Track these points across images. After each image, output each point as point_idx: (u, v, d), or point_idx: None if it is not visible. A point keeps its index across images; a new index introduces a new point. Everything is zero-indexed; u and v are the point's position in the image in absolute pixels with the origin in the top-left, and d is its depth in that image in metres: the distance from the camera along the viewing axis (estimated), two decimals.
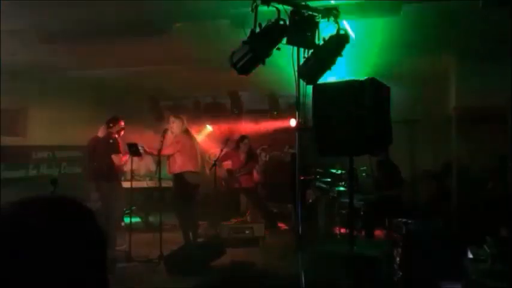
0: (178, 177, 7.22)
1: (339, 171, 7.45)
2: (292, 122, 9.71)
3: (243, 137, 8.96)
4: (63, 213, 0.93)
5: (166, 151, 7.06)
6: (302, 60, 4.21)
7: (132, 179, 7.09)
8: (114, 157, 7.17)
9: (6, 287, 0.84)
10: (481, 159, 6.90)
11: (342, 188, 7.14)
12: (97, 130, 7.63)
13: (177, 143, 7.14)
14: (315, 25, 4.18)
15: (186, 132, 7.33)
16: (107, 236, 0.98)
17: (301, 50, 4.20)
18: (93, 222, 0.96)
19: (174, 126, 7.24)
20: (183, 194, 7.23)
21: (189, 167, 7.19)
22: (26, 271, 0.85)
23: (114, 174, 7.33)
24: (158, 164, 6.82)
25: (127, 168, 7.79)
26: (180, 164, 7.17)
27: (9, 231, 0.88)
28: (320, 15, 4.26)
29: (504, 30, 5.35)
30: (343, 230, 6.98)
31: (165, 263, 6.12)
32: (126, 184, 7.62)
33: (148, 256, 6.47)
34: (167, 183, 8.25)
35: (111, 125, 7.33)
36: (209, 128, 10.93)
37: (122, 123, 7.42)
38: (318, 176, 7.78)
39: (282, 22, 4.01)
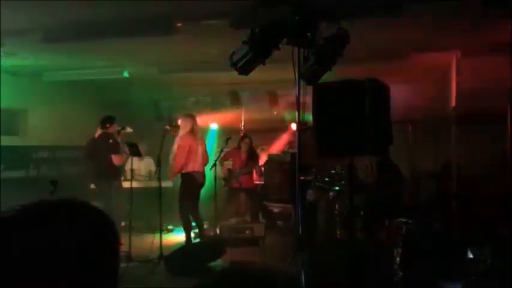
0: (185, 177, 7.29)
1: (339, 171, 7.44)
2: (293, 126, 9.73)
3: (243, 137, 8.96)
4: (80, 216, 0.94)
5: (177, 161, 7.24)
6: (302, 60, 4.21)
7: (132, 179, 7.10)
8: (114, 157, 7.18)
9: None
10: (481, 159, 6.90)
11: (341, 188, 7.13)
12: (97, 130, 7.63)
13: (183, 147, 7.24)
14: (315, 25, 4.18)
15: (191, 132, 7.37)
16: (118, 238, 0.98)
17: (301, 50, 4.19)
18: (105, 224, 0.97)
19: (183, 125, 7.35)
20: (190, 193, 7.27)
21: (194, 167, 7.24)
22: (40, 273, 0.85)
23: (114, 174, 7.35)
24: (158, 164, 6.83)
25: (127, 168, 7.80)
26: (186, 163, 7.24)
27: (29, 233, 0.87)
28: (320, 15, 4.26)
29: (503, 30, 5.35)
30: (343, 230, 6.98)
31: (165, 263, 6.12)
32: (126, 184, 7.63)
33: (148, 256, 6.47)
34: (167, 183, 8.26)
35: (107, 125, 7.33)
36: (213, 127, 10.97)
37: (116, 124, 7.43)
38: (318, 176, 7.77)
39: (282, 22, 4.00)
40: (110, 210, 7.09)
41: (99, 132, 7.45)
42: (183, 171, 7.33)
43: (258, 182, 9.45)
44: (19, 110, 9.08)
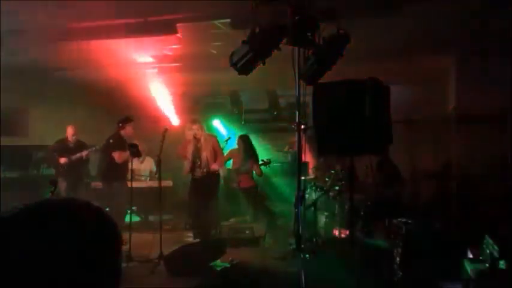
0: (216, 176, 7.83)
1: (339, 171, 7.45)
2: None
3: (242, 137, 8.95)
4: (79, 216, 0.94)
5: (223, 158, 8.09)
6: (302, 60, 4.21)
7: (132, 179, 7.10)
8: (115, 154, 7.30)
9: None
10: (481, 159, 6.90)
11: (341, 188, 7.14)
12: (98, 130, 7.66)
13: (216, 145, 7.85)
14: (315, 25, 4.18)
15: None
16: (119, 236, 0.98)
17: (301, 50, 4.20)
18: (105, 224, 0.97)
19: (201, 129, 7.72)
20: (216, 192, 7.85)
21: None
22: (42, 273, 0.85)
23: (115, 174, 7.42)
24: (158, 164, 6.84)
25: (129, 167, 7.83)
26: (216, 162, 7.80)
27: (27, 233, 0.87)
28: (320, 15, 4.26)
29: (504, 30, 5.36)
30: (343, 230, 6.98)
31: (165, 263, 6.11)
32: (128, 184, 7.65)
33: (148, 256, 6.47)
34: (167, 183, 8.27)
35: (119, 125, 7.49)
36: (216, 126, 10.99)
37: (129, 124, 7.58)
38: (318, 176, 7.78)
39: (282, 22, 4.01)
40: (112, 210, 7.15)
41: (69, 132, 7.80)
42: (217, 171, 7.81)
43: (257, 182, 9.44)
44: (19, 109, 9.08)
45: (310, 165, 8.10)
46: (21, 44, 6.39)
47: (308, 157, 7.22)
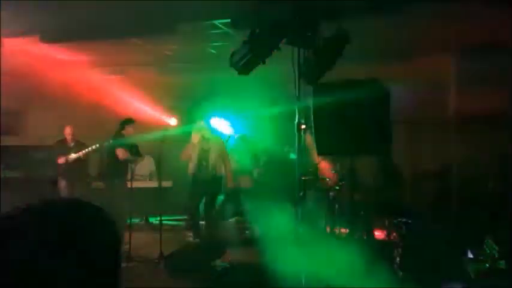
0: (222, 179, 7.83)
1: (339, 171, 7.44)
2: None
3: (242, 137, 8.96)
4: (83, 215, 0.94)
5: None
6: (302, 60, 4.21)
7: (132, 179, 7.11)
8: (117, 150, 7.33)
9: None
10: (481, 159, 6.90)
11: (341, 188, 7.13)
12: (97, 130, 7.66)
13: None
14: (315, 25, 4.18)
15: None
16: (121, 237, 0.99)
17: (301, 50, 4.20)
18: (106, 224, 0.97)
19: (209, 131, 7.71)
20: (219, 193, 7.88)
21: None
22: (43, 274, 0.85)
23: (115, 173, 7.43)
24: (158, 164, 6.85)
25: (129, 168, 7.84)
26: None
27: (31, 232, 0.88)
28: (320, 15, 4.26)
29: (504, 30, 5.36)
30: (343, 230, 6.98)
31: (165, 263, 6.12)
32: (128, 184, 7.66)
33: (148, 256, 6.47)
34: (167, 183, 8.27)
35: (121, 125, 7.50)
36: (216, 127, 10.99)
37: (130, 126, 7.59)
38: (318, 176, 7.76)
39: (282, 22, 4.01)
40: (112, 210, 7.17)
41: (67, 133, 7.80)
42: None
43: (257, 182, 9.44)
44: (19, 110, 9.07)
45: (310, 165, 8.09)
46: (21, 44, 6.40)
47: (308, 157, 7.22)
